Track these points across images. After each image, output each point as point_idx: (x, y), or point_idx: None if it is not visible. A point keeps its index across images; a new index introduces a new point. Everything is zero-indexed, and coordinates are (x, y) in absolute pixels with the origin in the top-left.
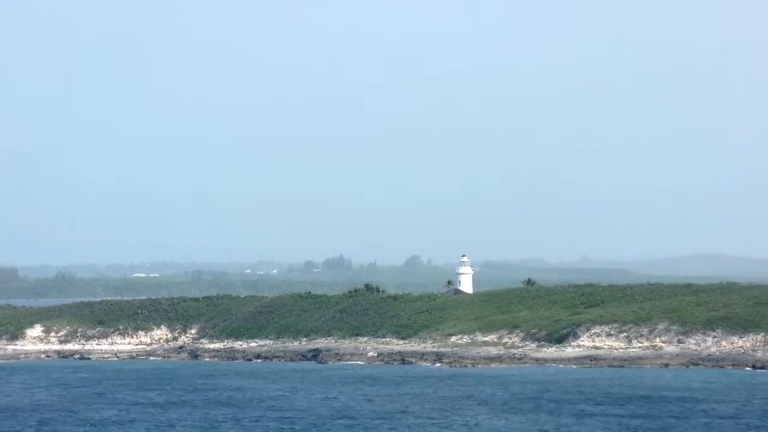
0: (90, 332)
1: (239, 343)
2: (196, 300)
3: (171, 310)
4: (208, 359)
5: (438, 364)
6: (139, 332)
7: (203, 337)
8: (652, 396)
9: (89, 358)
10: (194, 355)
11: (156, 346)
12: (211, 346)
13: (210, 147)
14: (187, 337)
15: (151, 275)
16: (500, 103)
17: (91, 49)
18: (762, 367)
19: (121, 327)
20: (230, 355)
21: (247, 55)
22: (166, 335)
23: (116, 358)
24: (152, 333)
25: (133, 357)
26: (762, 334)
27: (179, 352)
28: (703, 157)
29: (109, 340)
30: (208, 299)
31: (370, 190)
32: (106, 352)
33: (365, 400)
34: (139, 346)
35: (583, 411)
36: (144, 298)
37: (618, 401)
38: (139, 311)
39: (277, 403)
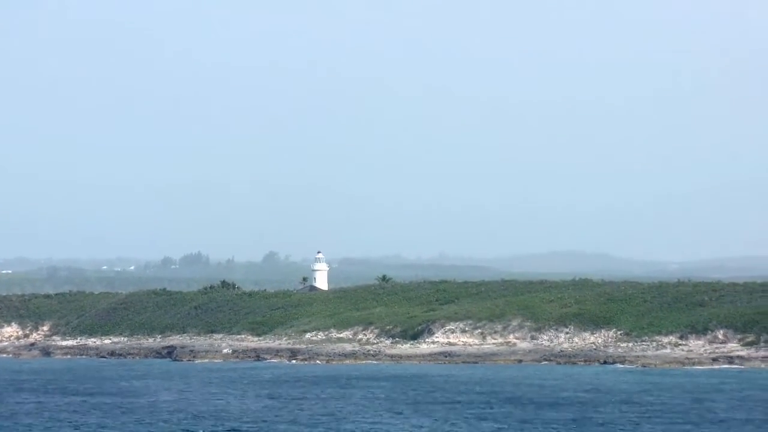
0: None
1: (93, 340)
2: (48, 297)
3: (22, 307)
4: (60, 356)
5: (293, 361)
6: None
7: (56, 334)
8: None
9: None
10: (46, 352)
11: (6, 343)
12: (64, 343)
13: (68, 140)
14: (38, 334)
15: (3, 272)
16: (356, 97)
17: None
18: (614, 363)
19: None
20: (83, 352)
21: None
22: (17, 332)
23: None
24: (2, 330)
25: None
26: (613, 330)
27: (30, 350)
28: (561, 157)
29: None
30: (62, 296)
31: (229, 185)
32: None
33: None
34: None
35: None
36: None
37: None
38: None
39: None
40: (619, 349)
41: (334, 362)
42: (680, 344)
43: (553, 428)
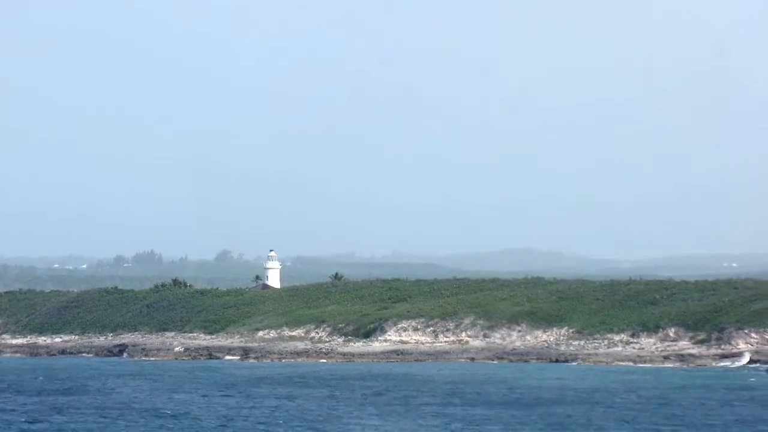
0: None
1: (43, 338)
2: None
3: None
4: (9, 355)
5: (236, 357)
6: None
7: (5, 332)
8: None
9: None
10: None
11: None
12: (14, 341)
13: (29, 142)
14: None
15: None
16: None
17: None
18: (565, 361)
19: None
20: (33, 350)
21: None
22: None
23: None
24: None
25: None
26: (565, 328)
27: None
28: (513, 156)
29: None
30: (11, 294)
31: (181, 183)
32: None
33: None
34: None
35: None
36: None
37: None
38: None
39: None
40: (571, 347)
41: (285, 360)
42: (632, 342)
43: None
